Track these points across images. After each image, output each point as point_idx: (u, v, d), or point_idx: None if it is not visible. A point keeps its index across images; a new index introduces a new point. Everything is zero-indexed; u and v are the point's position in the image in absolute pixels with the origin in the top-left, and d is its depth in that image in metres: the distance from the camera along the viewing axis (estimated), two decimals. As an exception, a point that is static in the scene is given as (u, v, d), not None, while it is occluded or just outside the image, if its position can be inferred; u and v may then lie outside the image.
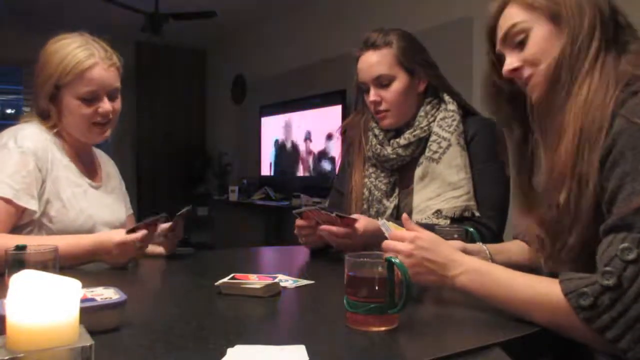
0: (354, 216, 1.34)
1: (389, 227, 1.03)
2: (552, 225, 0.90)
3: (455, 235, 1.14)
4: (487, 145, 1.45)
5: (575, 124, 0.85)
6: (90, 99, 1.41)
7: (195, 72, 6.86)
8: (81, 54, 1.39)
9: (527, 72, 0.96)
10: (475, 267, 0.89)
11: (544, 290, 0.81)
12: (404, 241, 0.95)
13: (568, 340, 0.81)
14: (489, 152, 1.45)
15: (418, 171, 1.47)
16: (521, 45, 0.96)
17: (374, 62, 1.47)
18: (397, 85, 1.47)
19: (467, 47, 3.34)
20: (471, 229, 1.18)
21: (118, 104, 1.47)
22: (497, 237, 1.37)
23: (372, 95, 1.48)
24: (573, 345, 0.84)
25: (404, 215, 1.03)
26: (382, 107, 1.49)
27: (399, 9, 3.86)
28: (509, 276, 0.87)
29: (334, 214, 1.32)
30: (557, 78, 0.90)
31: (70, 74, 1.37)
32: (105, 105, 1.43)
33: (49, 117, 1.43)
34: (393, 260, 0.82)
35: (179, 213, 1.44)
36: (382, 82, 1.47)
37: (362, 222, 1.32)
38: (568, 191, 0.85)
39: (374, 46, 1.48)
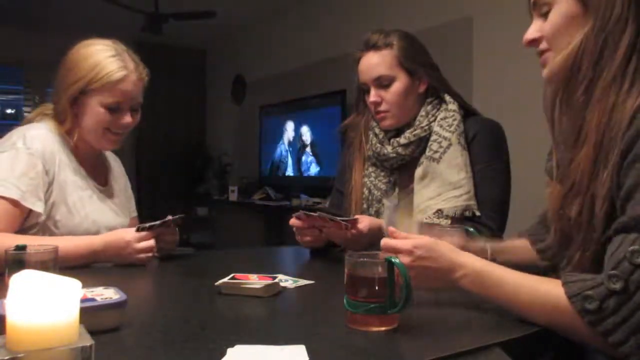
0: (357, 217, 1.36)
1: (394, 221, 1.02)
2: (563, 237, 0.87)
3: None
4: (488, 145, 1.45)
5: (597, 135, 0.80)
6: (114, 109, 1.42)
7: (195, 72, 6.85)
8: (114, 64, 1.39)
9: (543, 46, 0.92)
10: (477, 269, 0.88)
11: (547, 292, 0.80)
12: (400, 253, 0.91)
13: (568, 340, 0.81)
14: (490, 152, 1.45)
15: (418, 171, 1.47)
16: (545, 17, 0.90)
17: (374, 63, 1.47)
18: (397, 86, 1.47)
19: (467, 47, 3.34)
20: (472, 229, 1.18)
21: (137, 117, 1.49)
22: (497, 238, 1.37)
23: (373, 96, 1.48)
24: (573, 346, 0.83)
25: (390, 228, 0.99)
26: (382, 107, 1.49)
27: (399, 9, 3.86)
28: (510, 277, 0.85)
29: (338, 219, 1.33)
30: (576, 72, 0.84)
31: (100, 82, 1.38)
32: (127, 117, 1.45)
33: (65, 120, 1.43)
34: (393, 260, 0.82)
35: (162, 220, 1.39)
36: (383, 82, 1.47)
37: (366, 222, 1.35)
38: (580, 207, 0.82)
39: (374, 47, 1.48)
